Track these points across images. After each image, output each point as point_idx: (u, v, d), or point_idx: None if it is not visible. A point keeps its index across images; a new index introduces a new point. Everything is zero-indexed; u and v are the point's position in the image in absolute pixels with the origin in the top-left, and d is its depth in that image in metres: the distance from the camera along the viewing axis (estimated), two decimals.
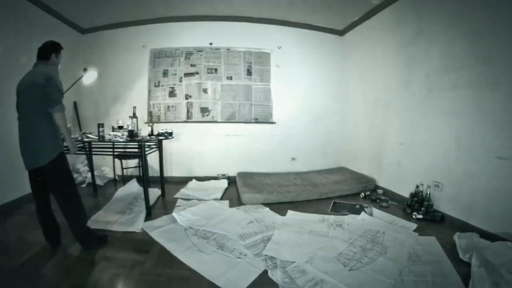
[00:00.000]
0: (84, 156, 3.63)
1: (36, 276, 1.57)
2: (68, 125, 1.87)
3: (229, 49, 3.90)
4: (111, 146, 2.81)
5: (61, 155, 1.77)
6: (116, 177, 3.69)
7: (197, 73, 3.87)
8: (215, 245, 1.96)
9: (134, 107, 2.78)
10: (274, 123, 4.00)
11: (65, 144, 1.90)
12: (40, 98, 1.69)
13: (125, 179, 3.47)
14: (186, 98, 3.89)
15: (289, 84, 4.01)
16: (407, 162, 2.90)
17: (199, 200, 2.98)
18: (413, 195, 2.64)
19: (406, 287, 1.48)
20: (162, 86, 3.87)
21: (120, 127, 2.75)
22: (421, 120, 2.68)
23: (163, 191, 3.16)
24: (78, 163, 3.71)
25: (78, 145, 2.72)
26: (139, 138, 2.58)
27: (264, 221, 2.38)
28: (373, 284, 1.50)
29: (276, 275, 1.58)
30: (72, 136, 2.61)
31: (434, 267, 1.65)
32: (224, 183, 3.61)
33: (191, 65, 3.86)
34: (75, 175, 3.56)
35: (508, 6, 1.89)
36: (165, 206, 2.86)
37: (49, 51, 1.86)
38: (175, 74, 3.86)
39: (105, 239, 2.00)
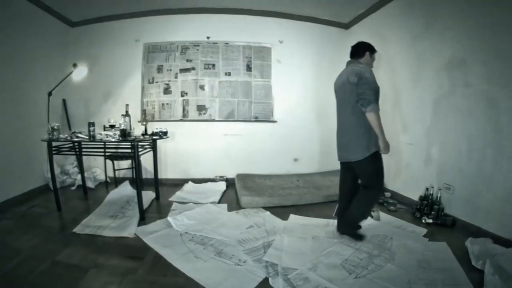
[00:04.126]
0: (74, 157, 3.63)
1: (23, 284, 1.56)
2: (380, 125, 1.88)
3: (227, 43, 3.90)
4: (102, 146, 2.81)
5: (373, 155, 1.90)
6: (108, 179, 3.69)
7: (193, 68, 3.87)
8: (212, 251, 1.96)
9: (127, 105, 2.77)
10: (275, 121, 4.00)
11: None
12: (352, 97, 1.88)
13: (117, 181, 3.47)
14: (182, 96, 3.88)
15: (291, 80, 4.01)
16: (416, 164, 2.90)
17: (196, 203, 2.98)
18: (422, 198, 2.63)
19: None
20: (157, 82, 3.87)
21: (112, 126, 2.75)
22: (431, 119, 2.68)
23: (157, 194, 3.16)
24: (67, 164, 3.71)
25: (67, 145, 2.73)
26: (132, 137, 2.58)
27: (265, 226, 2.38)
28: None
29: (277, 283, 1.58)
30: (61, 136, 2.63)
31: (445, 274, 1.65)
32: (222, 186, 3.61)
33: (187, 60, 3.86)
34: (64, 177, 3.57)
35: None
36: (159, 210, 2.86)
37: (363, 50, 2.06)
38: (170, 70, 3.86)
39: (360, 238, 2.10)
